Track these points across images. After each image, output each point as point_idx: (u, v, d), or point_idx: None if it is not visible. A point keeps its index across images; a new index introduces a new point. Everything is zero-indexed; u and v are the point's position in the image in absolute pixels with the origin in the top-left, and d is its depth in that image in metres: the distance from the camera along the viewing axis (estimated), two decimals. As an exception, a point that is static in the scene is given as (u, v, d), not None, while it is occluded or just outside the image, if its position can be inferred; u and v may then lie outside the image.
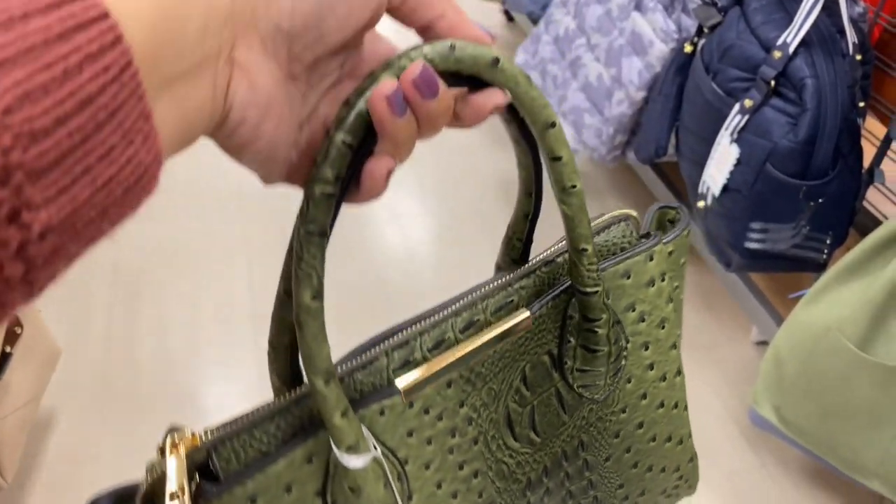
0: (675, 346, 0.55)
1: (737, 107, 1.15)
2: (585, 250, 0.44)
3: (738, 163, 1.14)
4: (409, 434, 0.44)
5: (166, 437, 0.40)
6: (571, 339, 0.49)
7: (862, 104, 1.11)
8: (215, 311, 1.60)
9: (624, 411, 0.54)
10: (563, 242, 0.48)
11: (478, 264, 1.70)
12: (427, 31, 0.34)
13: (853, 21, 1.13)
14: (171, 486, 0.38)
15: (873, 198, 1.33)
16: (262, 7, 0.29)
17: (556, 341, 0.49)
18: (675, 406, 0.57)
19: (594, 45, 1.62)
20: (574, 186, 0.41)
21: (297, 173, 0.34)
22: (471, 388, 0.46)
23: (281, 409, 0.42)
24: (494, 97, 0.35)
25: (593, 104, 1.63)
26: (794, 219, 1.12)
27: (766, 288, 1.50)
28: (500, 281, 0.47)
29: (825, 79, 1.06)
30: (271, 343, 0.44)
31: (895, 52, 1.24)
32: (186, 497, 0.38)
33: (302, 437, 0.41)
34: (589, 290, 0.46)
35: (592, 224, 0.48)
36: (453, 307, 0.45)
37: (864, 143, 1.20)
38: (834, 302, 0.97)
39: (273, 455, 0.41)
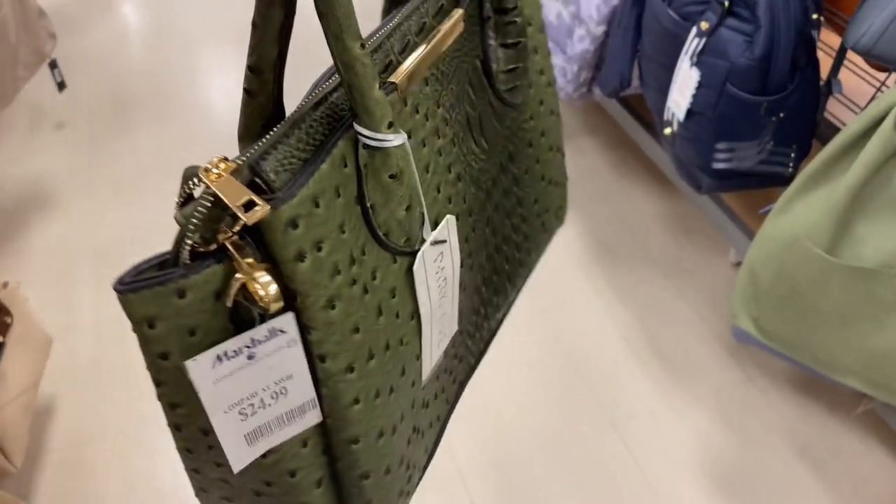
0: (549, 52, 0.62)
1: (694, 30, 1.16)
2: None
3: (700, 86, 1.16)
4: (409, 136, 0.45)
5: (188, 178, 0.36)
6: (491, 42, 0.53)
7: (816, 16, 1.12)
8: (202, 285, 1.61)
9: (532, 118, 0.60)
10: None
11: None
12: None
13: (801, -66, 1.14)
14: (236, 200, 0.34)
15: (834, 109, 1.35)
16: None
17: (480, 45, 0.53)
18: (558, 115, 0.65)
19: (551, -17, 1.61)
20: None
21: None
22: (440, 87, 0.49)
23: (305, 114, 0.39)
24: None
25: (555, 43, 1.63)
26: (758, 135, 1.15)
27: (739, 208, 1.53)
28: None
29: (777, -6, 1.07)
30: (251, 68, 0.42)
31: (847, -38, 1.25)
32: (260, 203, 0.35)
33: (332, 138, 0.39)
34: None
35: None
36: (399, 16, 0.47)
37: (821, 55, 1.22)
38: (800, 211, 0.99)
39: (314, 160, 0.38)
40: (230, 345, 0.37)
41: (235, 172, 0.36)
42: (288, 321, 0.38)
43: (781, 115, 1.12)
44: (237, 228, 0.35)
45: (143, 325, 0.35)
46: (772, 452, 1.28)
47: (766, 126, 1.14)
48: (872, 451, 1.28)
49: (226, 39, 2.50)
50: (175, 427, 0.41)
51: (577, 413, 1.35)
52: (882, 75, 1.28)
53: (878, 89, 1.17)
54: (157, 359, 0.37)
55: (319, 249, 0.38)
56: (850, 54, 1.25)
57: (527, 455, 1.28)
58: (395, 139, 0.40)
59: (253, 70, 0.42)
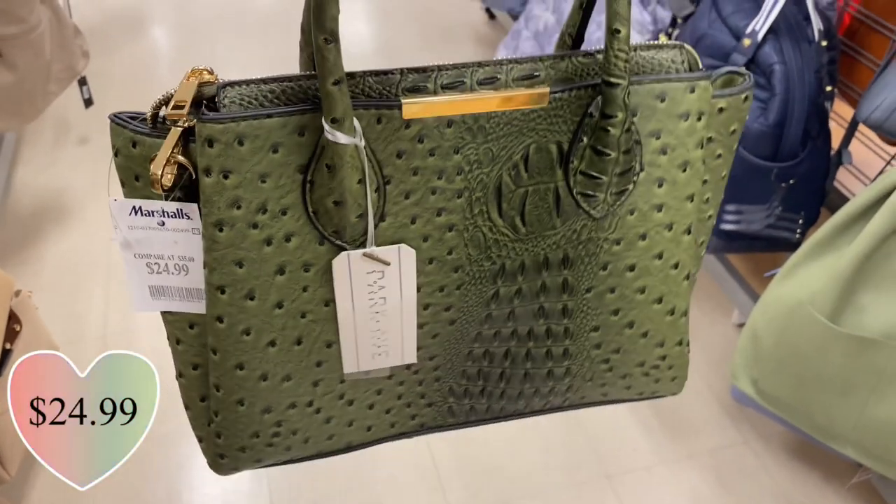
0: (692, 199, 0.52)
1: (710, 93, 1.19)
2: (618, 32, 0.44)
3: (713, 147, 1.18)
4: (399, 155, 0.46)
5: (189, 75, 0.45)
6: (584, 139, 0.48)
7: (829, 88, 1.15)
8: (209, 307, 1.63)
9: (618, 243, 0.52)
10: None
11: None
12: None
13: (819, 9, 1.18)
14: (179, 96, 0.44)
15: (843, 179, 1.37)
16: None
17: (569, 136, 0.48)
18: (676, 266, 0.54)
19: (573, 38, 1.65)
20: None
21: None
22: (470, 139, 0.47)
23: (293, 77, 0.45)
24: None
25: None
26: (767, 200, 1.17)
27: (745, 270, 1.54)
28: (534, 55, 0.48)
29: (792, 64, 1.10)
30: (301, 27, 0.48)
31: (864, 38, 1.29)
32: (187, 109, 0.43)
33: (301, 108, 0.44)
34: (613, 79, 0.45)
35: (648, 44, 0.49)
36: (479, 62, 0.47)
37: (834, 126, 1.25)
38: (805, 277, 1.01)
39: (270, 110, 0.44)
40: (146, 204, 0.47)
41: (206, 84, 0.44)
42: (192, 209, 0.46)
43: (791, 181, 1.15)
44: (185, 122, 0.43)
45: (114, 151, 0.46)
46: (765, 517, 1.27)
47: (776, 191, 1.16)
48: (866, 523, 1.27)
49: (253, 68, 2.55)
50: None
51: (572, 462, 1.34)
52: (892, 149, 1.30)
53: (888, 163, 1.20)
54: (119, 181, 0.47)
55: (226, 177, 0.44)
56: (863, 126, 1.28)
57: (519, 500, 1.28)
58: (335, 136, 0.43)
59: (302, 29, 0.48)
